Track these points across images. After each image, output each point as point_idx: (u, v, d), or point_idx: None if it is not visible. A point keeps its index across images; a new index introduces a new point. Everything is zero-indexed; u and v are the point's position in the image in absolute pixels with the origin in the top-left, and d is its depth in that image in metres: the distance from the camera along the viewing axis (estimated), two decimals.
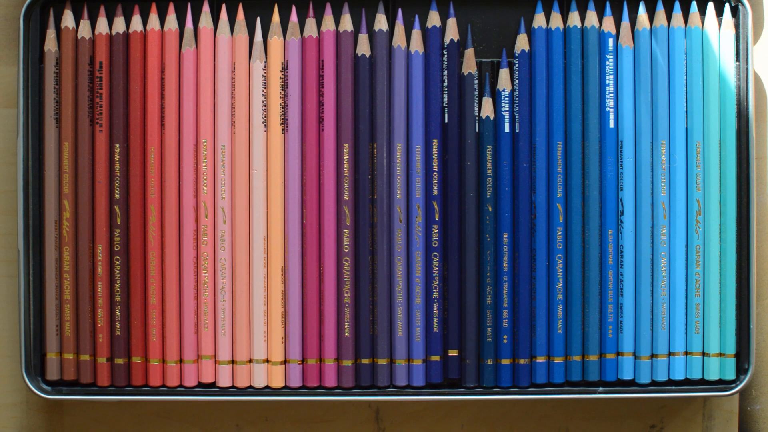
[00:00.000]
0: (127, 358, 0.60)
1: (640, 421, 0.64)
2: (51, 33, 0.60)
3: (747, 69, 0.59)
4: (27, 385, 0.59)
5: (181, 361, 0.60)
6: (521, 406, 0.63)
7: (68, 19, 0.59)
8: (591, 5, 0.60)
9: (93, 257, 0.60)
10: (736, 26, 0.60)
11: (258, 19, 0.60)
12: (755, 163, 0.60)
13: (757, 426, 0.63)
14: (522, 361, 0.60)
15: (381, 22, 0.60)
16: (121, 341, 0.60)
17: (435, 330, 0.60)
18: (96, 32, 0.60)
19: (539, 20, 0.60)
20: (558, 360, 0.60)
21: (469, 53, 0.60)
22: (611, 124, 0.60)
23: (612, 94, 0.60)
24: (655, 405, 0.63)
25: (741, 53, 0.60)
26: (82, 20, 0.60)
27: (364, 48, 0.60)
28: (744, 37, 0.59)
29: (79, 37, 0.59)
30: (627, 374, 0.60)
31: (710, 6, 0.60)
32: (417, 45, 0.60)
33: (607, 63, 0.60)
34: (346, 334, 0.60)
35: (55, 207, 0.60)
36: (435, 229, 0.60)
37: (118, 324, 0.60)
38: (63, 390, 0.60)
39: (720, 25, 0.60)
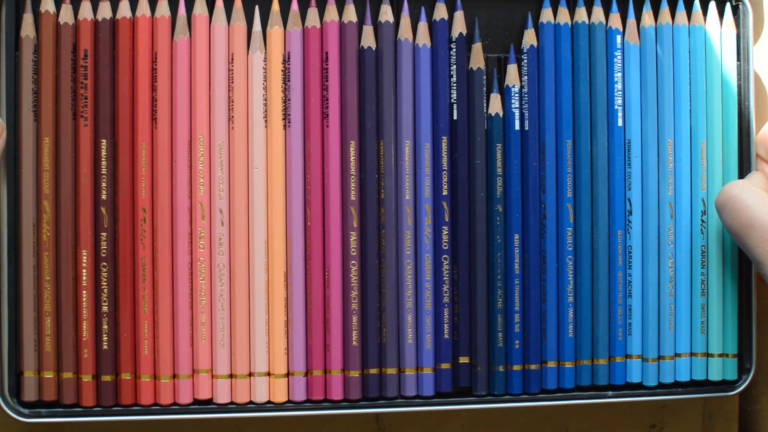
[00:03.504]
0: (115, 374, 0.56)
1: (641, 421, 0.63)
2: (28, 18, 0.55)
3: (748, 69, 0.60)
4: (1, 408, 0.54)
5: (175, 376, 0.57)
6: (522, 406, 0.62)
7: (48, 3, 0.55)
8: (597, 1, 0.59)
9: (76, 264, 0.56)
10: (737, 25, 0.60)
11: (257, 7, 0.56)
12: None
13: (757, 426, 0.64)
14: (533, 367, 0.58)
15: (386, 14, 0.57)
16: (109, 356, 0.56)
17: (446, 336, 0.58)
18: (79, 17, 0.55)
19: (547, 15, 0.58)
20: (568, 365, 0.59)
21: (477, 48, 0.58)
22: (619, 123, 0.59)
23: (620, 92, 0.59)
24: (655, 405, 0.63)
25: (741, 53, 0.60)
26: (63, 4, 0.55)
27: (369, 40, 0.57)
28: (744, 37, 0.60)
29: (60, 23, 0.55)
30: (635, 377, 0.59)
31: (712, 5, 0.60)
32: (424, 38, 0.57)
33: (615, 60, 0.59)
34: (354, 343, 0.57)
35: (33, 209, 0.55)
36: (445, 230, 0.57)
37: (105, 337, 0.56)
38: (42, 412, 0.56)
39: (721, 24, 0.60)
